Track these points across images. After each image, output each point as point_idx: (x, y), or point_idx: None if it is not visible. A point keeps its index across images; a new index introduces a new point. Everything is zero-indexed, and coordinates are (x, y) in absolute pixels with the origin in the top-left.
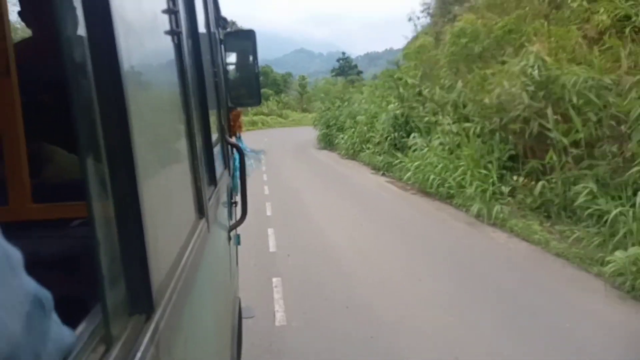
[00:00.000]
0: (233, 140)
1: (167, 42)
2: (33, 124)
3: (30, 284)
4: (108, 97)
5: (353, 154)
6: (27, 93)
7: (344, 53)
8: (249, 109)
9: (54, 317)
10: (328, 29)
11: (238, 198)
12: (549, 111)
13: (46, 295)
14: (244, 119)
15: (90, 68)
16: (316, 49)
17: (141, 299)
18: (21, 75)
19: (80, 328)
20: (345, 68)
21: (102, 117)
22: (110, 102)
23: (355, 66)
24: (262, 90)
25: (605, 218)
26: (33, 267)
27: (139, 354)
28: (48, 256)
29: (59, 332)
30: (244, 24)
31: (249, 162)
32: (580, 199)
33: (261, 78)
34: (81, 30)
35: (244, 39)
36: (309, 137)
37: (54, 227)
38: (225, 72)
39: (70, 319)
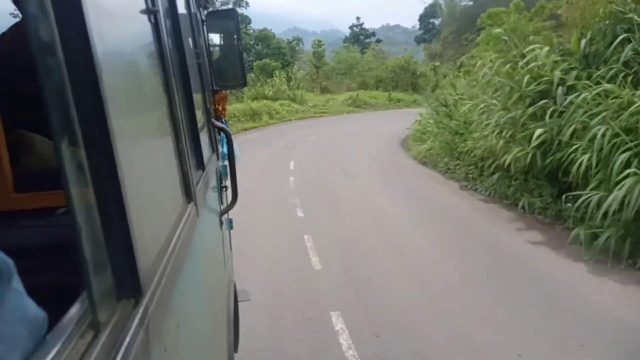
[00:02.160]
0: (219, 123)
1: (144, 22)
2: (11, 112)
3: None
4: (81, 80)
5: None
6: (4, 81)
7: (360, 24)
8: (242, 92)
9: (17, 288)
10: (322, 7)
11: (228, 182)
12: None
13: (4, 261)
14: (239, 106)
15: (60, 50)
16: (310, 28)
17: (128, 284)
18: None
19: (67, 315)
20: (360, 36)
21: (76, 101)
22: (84, 85)
23: (373, 34)
24: (264, 62)
25: None
26: (19, 257)
27: (127, 339)
28: (34, 246)
29: (21, 304)
30: (233, 4)
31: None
32: None
33: (259, 45)
34: (49, 10)
35: (226, 19)
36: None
37: (38, 216)
38: (209, 53)
39: (60, 308)
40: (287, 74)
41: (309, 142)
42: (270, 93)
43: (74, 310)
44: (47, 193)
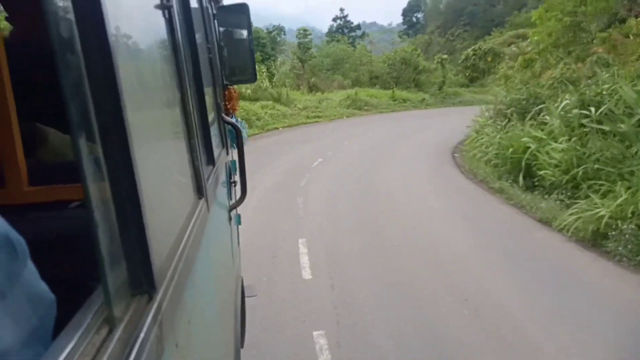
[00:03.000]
0: (229, 119)
1: (158, 17)
2: (26, 104)
3: (2, 225)
4: (99, 76)
5: None
6: (19, 71)
7: (344, 15)
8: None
9: (30, 267)
10: (296, 4)
11: (237, 177)
12: None
13: (20, 240)
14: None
15: (78, 45)
16: (286, 25)
17: (143, 280)
18: (12, 53)
19: (82, 310)
20: (344, 29)
21: (94, 96)
22: (102, 81)
23: (358, 26)
24: None
25: None
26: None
27: (142, 334)
28: (47, 238)
29: (33, 283)
30: None
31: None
32: None
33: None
34: (68, 5)
35: (237, 13)
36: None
37: (52, 209)
38: (220, 48)
39: (73, 300)
40: (267, 69)
41: (320, 179)
42: (249, 92)
43: (89, 305)
44: (60, 186)
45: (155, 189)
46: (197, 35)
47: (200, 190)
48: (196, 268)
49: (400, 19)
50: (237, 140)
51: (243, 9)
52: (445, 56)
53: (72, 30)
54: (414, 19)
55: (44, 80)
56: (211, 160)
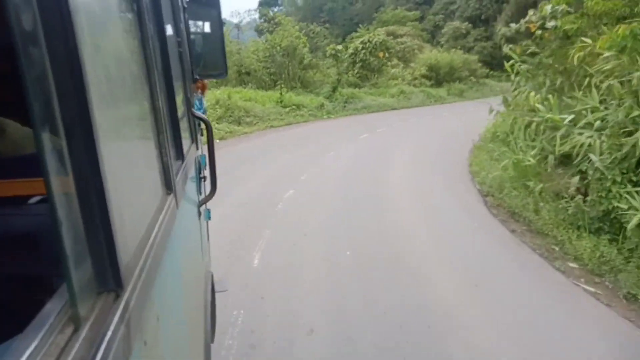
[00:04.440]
0: (199, 113)
1: (126, 9)
2: None
3: None
4: (63, 67)
5: None
6: None
7: None
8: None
9: None
10: None
11: (207, 172)
12: None
13: None
14: None
15: (42, 38)
16: None
17: (109, 277)
18: None
19: (46, 308)
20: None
21: (58, 88)
22: (66, 73)
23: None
24: None
25: None
26: None
27: (109, 333)
28: (6, 235)
29: None
30: None
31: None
32: None
33: None
34: None
35: (208, 7)
36: None
37: (11, 204)
38: (190, 42)
39: (36, 300)
40: None
41: None
42: None
43: (53, 304)
44: (19, 181)
45: (122, 184)
46: (166, 28)
47: (168, 186)
48: (165, 264)
49: (247, 17)
50: (207, 134)
51: (214, 2)
52: (339, 47)
53: (34, 19)
54: (270, 18)
55: (1, 70)
56: (180, 155)
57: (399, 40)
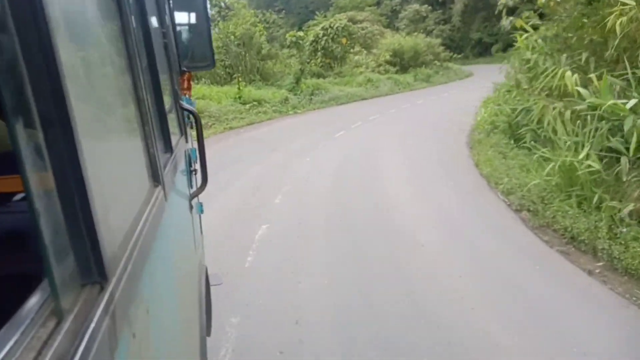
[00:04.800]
0: (188, 106)
1: None
2: None
3: None
4: (35, 57)
5: None
6: None
7: None
8: None
9: None
10: None
11: (198, 166)
12: None
13: None
14: None
15: (10, 21)
16: None
17: (93, 270)
18: None
19: (28, 303)
20: None
21: (32, 80)
22: (39, 63)
23: None
24: None
25: None
26: None
27: (92, 325)
28: None
29: None
30: None
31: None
32: None
33: None
34: None
35: None
36: None
37: None
38: (177, 33)
39: (21, 296)
40: None
41: None
42: None
43: (35, 298)
44: (2, 178)
45: (105, 177)
46: (150, 19)
47: (156, 178)
48: (153, 256)
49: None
50: (197, 127)
51: None
52: (300, 33)
53: (1, 3)
54: (222, 4)
55: None
56: (169, 148)
57: (359, 25)
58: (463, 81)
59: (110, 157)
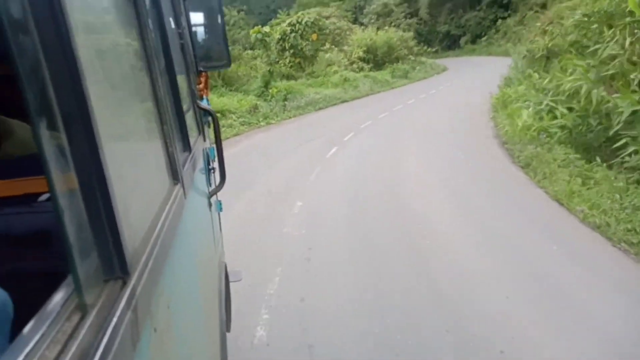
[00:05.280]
0: (205, 105)
1: (124, 1)
2: None
3: None
4: (58, 61)
5: None
6: None
7: None
8: None
9: None
10: None
11: (216, 164)
12: None
13: None
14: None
15: (34, 29)
16: None
17: (115, 265)
18: None
19: (53, 298)
20: None
21: (54, 83)
22: (61, 66)
23: None
24: None
25: None
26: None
27: (115, 319)
28: (18, 233)
29: None
30: None
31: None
32: None
33: None
34: None
35: None
36: None
37: (21, 203)
38: (193, 33)
39: (48, 294)
40: None
41: None
42: None
43: (60, 293)
44: (30, 179)
45: (126, 175)
46: (166, 20)
47: (175, 176)
48: (174, 253)
49: None
50: (214, 126)
51: None
52: (266, 29)
53: (24, 9)
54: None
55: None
56: (187, 147)
57: (328, 21)
58: (441, 76)
59: (131, 156)
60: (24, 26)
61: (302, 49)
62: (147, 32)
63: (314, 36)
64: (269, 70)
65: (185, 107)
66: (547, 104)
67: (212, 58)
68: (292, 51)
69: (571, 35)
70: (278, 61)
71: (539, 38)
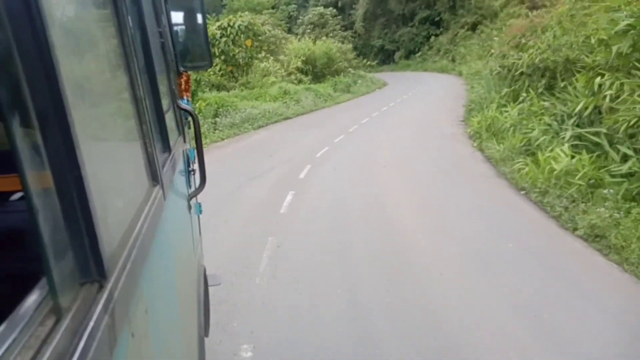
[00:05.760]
0: (185, 105)
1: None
2: None
3: None
4: (32, 56)
5: None
6: None
7: None
8: None
9: None
10: None
11: (196, 166)
12: None
13: None
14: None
15: (5, 19)
16: None
17: (92, 268)
18: None
19: (26, 301)
20: None
21: (28, 79)
22: (36, 62)
23: None
24: None
25: None
26: None
27: (91, 324)
28: None
29: None
30: None
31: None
32: None
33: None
34: None
35: None
36: None
37: None
38: (175, 33)
39: (21, 296)
40: None
41: None
42: None
43: (34, 296)
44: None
45: (103, 176)
46: (146, 18)
47: (154, 177)
48: (152, 256)
49: None
50: (195, 127)
51: None
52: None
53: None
54: None
55: None
56: (167, 148)
57: (262, 27)
58: (383, 91)
59: (109, 156)
60: None
61: (234, 55)
62: (127, 30)
63: (249, 42)
64: (196, 80)
65: (165, 107)
66: (576, 136)
67: (193, 58)
68: (222, 58)
69: (618, 45)
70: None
71: (512, 52)
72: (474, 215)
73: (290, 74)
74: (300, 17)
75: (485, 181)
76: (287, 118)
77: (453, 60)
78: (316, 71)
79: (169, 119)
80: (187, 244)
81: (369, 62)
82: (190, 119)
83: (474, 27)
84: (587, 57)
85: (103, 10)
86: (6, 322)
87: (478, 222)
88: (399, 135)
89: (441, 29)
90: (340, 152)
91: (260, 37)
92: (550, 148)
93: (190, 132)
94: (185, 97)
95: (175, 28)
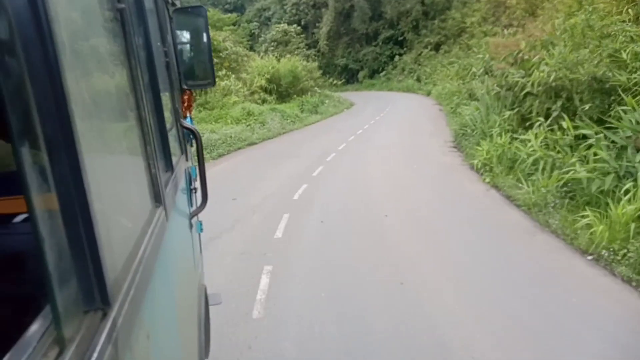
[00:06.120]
0: (188, 124)
1: (110, 19)
2: None
3: None
4: (41, 79)
5: None
6: None
7: None
8: None
9: None
10: None
11: (198, 184)
12: None
13: None
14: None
15: (19, 47)
16: None
17: (96, 295)
18: None
19: (29, 331)
20: None
21: (37, 101)
22: (45, 85)
23: None
24: None
25: None
26: None
27: (95, 355)
28: None
29: None
30: None
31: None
32: None
33: None
34: (7, 5)
35: (194, 16)
36: None
37: None
38: (179, 52)
39: (21, 321)
40: None
41: None
42: None
43: (37, 325)
44: (3, 199)
45: (108, 198)
46: (152, 39)
47: (157, 198)
48: (155, 279)
49: None
50: (197, 145)
51: (200, 11)
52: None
53: (10, 28)
54: None
55: None
56: (169, 167)
57: (223, 43)
58: (352, 111)
59: (113, 177)
60: (10, 45)
61: None
62: (133, 50)
63: None
64: None
65: (168, 125)
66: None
67: (197, 76)
68: None
69: None
70: None
71: (512, 70)
72: (545, 309)
73: (253, 92)
74: (263, 35)
75: (531, 240)
76: (252, 144)
77: (418, 79)
78: (281, 90)
79: (172, 138)
80: (189, 264)
81: (335, 81)
82: (192, 136)
83: (437, 47)
84: (620, 75)
85: (110, 31)
86: (9, 354)
87: (557, 326)
88: (391, 167)
89: (405, 49)
90: (325, 192)
91: (220, 54)
92: (620, 193)
93: (192, 150)
94: (188, 115)
95: (179, 46)
